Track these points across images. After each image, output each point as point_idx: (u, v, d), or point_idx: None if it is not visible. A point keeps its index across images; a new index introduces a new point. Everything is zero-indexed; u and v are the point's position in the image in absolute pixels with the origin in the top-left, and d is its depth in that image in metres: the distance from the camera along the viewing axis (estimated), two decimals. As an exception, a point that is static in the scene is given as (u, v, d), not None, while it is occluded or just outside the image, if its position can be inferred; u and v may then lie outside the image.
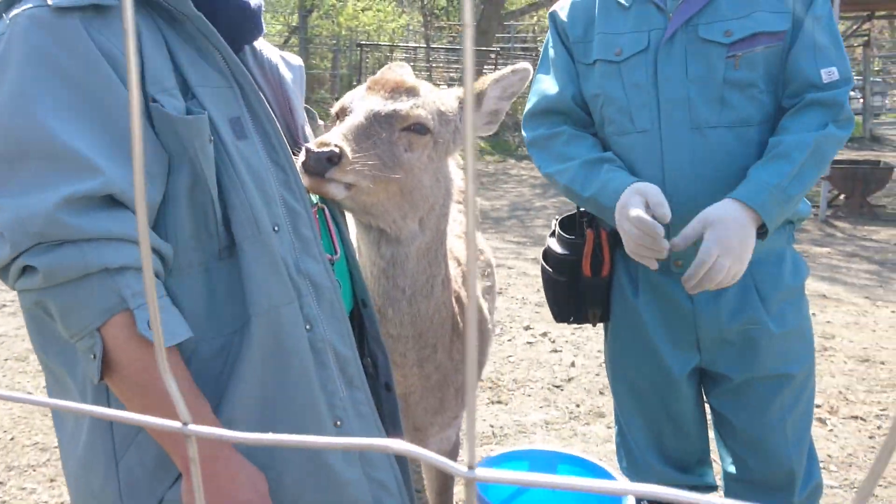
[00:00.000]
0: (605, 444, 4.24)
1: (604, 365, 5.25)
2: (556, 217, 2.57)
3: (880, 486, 3.88)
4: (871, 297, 6.97)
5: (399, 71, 2.17)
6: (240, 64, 1.46)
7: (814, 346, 2.41)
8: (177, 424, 0.44)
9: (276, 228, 1.44)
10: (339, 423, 1.51)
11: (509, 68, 2.06)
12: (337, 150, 1.65)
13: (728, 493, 2.52)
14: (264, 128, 1.49)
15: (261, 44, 1.74)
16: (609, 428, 4.43)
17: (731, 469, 2.47)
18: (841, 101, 2.13)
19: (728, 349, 2.30)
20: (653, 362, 2.37)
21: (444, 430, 2.43)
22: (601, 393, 4.86)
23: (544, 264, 2.50)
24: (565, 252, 2.44)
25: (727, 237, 2.01)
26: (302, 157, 1.64)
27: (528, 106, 2.47)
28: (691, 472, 2.53)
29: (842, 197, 11.24)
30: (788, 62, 2.16)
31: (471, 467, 0.38)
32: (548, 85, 2.41)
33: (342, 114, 1.90)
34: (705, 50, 2.16)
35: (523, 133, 2.50)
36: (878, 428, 4.45)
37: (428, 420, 2.31)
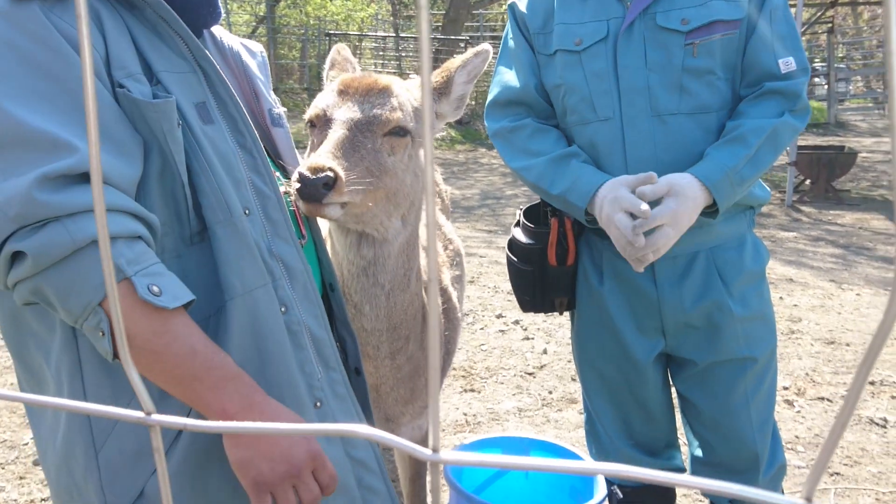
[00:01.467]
0: (577, 429, 4.27)
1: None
2: (521, 207, 2.59)
3: (845, 465, 3.96)
4: (836, 280, 7.09)
5: (348, 57, 2.24)
6: (202, 48, 1.46)
7: (776, 329, 2.45)
8: (139, 414, 0.44)
9: (247, 212, 1.44)
10: (319, 404, 1.52)
11: (471, 52, 2.09)
12: (332, 174, 1.64)
13: (693, 476, 2.56)
14: (230, 112, 1.48)
15: (219, 31, 1.73)
16: (581, 414, 4.46)
17: (698, 452, 2.51)
18: (798, 90, 2.16)
19: (692, 334, 2.33)
20: (619, 349, 2.40)
21: (416, 420, 2.43)
22: (573, 379, 4.90)
23: (510, 254, 2.52)
24: (530, 241, 2.45)
25: (682, 211, 2.05)
26: (296, 183, 1.63)
27: (490, 96, 2.47)
28: (660, 456, 2.56)
29: (807, 182, 11.41)
30: (746, 52, 2.19)
31: (435, 450, 0.38)
32: (509, 77, 2.42)
33: (319, 121, 1.87)
34: (663, 38, 2.18)
35: (486, 123, 2.51)
36: (883, 427, 4.53)
37: (399, 410, 2.32)
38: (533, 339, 5.60)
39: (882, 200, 11.10)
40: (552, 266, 2.41)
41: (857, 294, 6.64)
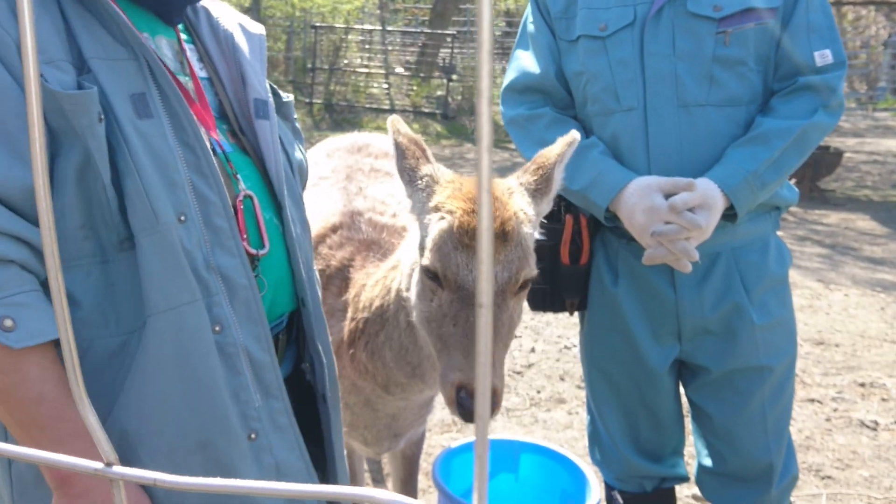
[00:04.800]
0: (565, 430, 4.20)
1: (563, 351, 5.26)
2: None
3: (836, 468, 3.91)
4: (823, 280, 7.06)
5: (415, 138, 1.91)
6: (136, 34, 1.30)
7: (796, 337, 2.36)
8: (99, 465, 0.35)
9: (181, 218, 1.29)
10: (253, 435, 1.37)
11: (563, 143, 1.87)
12: (497, 397, 1.53)
13: (700, 485, 2.48)
14: (172, 106, 1.33)
15: (219, 9, 1.60)
16: (570, 414, 4.40)
17: (707, 462, 2.43)
18: (833, 85, 2.07)
19: (708, 340, 2.24)
20: (632, 354, 2.30)
21: (418, 427, 2.46)
22: (561, 379, 4.83)
23: None
24: (542, 238, 2.35)
25: (709, 225, 1.98)
26: (457, 405, 1.55)
27: (507, 81, 2.36)
28: (664, 463, 2.48)
29: (793, 182, 11.40)
30: (781, 43, 2.09)
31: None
32: (528, 62, 2.31)
33: (446, 283, 1.65)
34: (694, 25, 2.08)
35: (500, 108, 2.40)
36: (835, 410, 4.49)
37: (409, 426, 2.32)
38: (520, 337, 5.52)
39: (866, 200, 11.12)
40: (564, 265, 2.31)
41: (845, 294, 6.62)
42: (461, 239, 1.62)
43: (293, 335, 1.65)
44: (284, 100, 1.79)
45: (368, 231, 2.32)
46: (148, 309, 1.26)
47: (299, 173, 1.74)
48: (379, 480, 3.76)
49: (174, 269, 1.27)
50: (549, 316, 5.72)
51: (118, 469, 0.35)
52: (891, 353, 5.37)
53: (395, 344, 1.93)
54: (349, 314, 2.12)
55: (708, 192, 1.98)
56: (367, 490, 0.33)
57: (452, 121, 17.84)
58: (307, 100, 17.60)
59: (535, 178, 1.82)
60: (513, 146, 16.03)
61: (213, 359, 1.31)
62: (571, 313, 2.45)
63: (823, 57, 2.06)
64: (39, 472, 1.28)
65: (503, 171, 13.40)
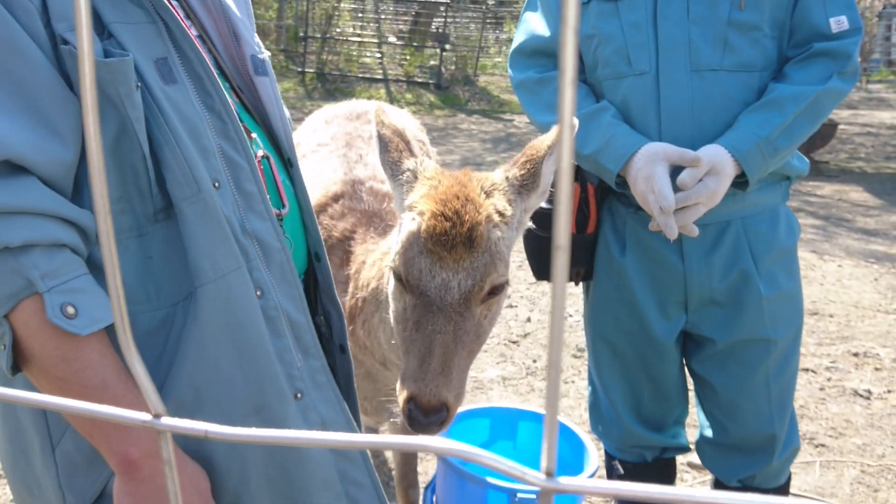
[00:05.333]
0: (561, 398, 4.23)
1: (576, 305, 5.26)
2: None
3: (830, 436, 3.95)
4: (817, 251, 7.09)
5: (397, 129, 1.84)
6: None
7: (803, 310, 2.34)
8: (147, 416, 0.34)
9: (216, 185, 1.27)
10: (300, 395, 1.38)
11: (555, 132, 1.76)
12: (446, 410, 1.48)
13: (701, 454, 2.49)
14: (195, 70, 1.29)
15: None
16: (566, 383, 4.42)
17: (709, 433, 2.44)
18: (849, 52, 2.04)
19: (715, 311, 2.23)
20: (636, 325, 2.30)
21: None
22: (557, 348, 4.85)
23: None
24: (548, 206, 2.31)
25: (719, 190, 1.97)
26: (406, 418, 1.48)
27: (516, 44, 2.33)
28: (665, 432, 2.49)
29: (788, 153, 11.40)
30: (796, 9, 2.06)
31: (549, 474, 0.28)
32: (537, 24, 2.27)
33: (410, 288, 1.59)
34: None
35: (509, 72, 2.37)
36: (828, 380, 4.52)
37: None
38: (516, 307, 5.53)
39: (860, 172, 11.12)
40: (571, 234, 2.27)
41: (839, 265, 6.64)
42: (426, 243, 1.55)
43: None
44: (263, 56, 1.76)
45: (370, 201, 2.28)
46: (198, 279, 1.24)
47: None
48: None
49: (219, 237, 1.26)
50: (545, 285, 5.72)
51: (167, 420, 0.34)
52: (884, 323, 5.41)
53: (389, 328, 1.89)
54: (350, 290, 2.10)
55: (717, 158, 1.97)
56: (419, 438, 0.32)
57: (446, 91, 17.71)
58: (299, 69, 17.44)
59: (523, 172, 1.74)
60: (506, 116, 15.99)
61: (260, 323, 1.31)
62: (577, 283, 2.43)
63: (839, 23, 2.04)
64: (90, 454, 1.26)
65: (496, 141, 13.34)
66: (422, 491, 2.96)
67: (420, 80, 18.12)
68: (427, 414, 1.45)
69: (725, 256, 2.18)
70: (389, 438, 0.32)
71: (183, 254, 1.25)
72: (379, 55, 18.88)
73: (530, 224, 2.37)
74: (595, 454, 2.81)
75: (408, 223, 1.62)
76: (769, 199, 2.19)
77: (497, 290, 1.60)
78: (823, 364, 4.71)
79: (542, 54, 2.26)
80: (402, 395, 1.49)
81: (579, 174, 2.29)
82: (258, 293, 1.33)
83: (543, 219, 2.32)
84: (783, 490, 2.44)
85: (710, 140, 2.03)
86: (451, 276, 1.53)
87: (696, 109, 2.06)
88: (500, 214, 1.63)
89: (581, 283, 2.51)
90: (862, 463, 3.71)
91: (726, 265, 2.18)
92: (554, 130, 1.77)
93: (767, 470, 2.35)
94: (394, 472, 3.54)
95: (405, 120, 3.10)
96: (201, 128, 1.27)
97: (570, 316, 5.39)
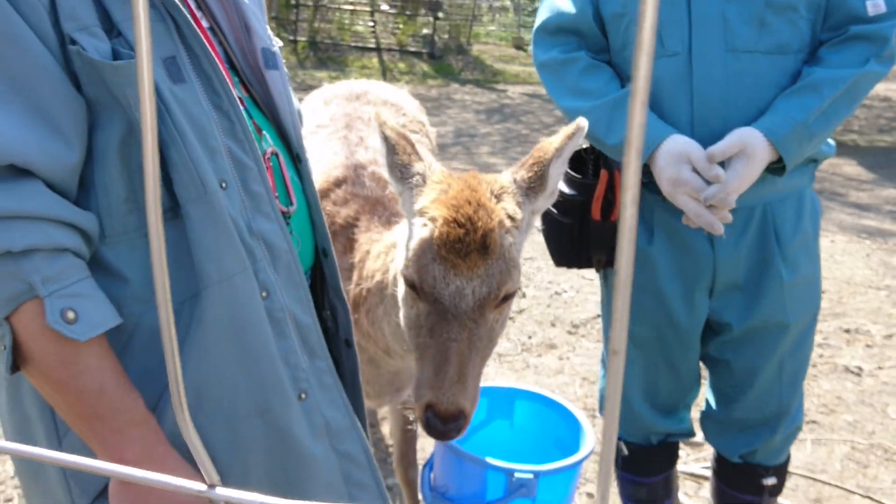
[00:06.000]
0: (556, 375, 4.26)
1: (554, 296, 5.30)
2: None
3: (821, 413, 4.00)
4: (810, 226, 7.11)
5: (403, 132, 1.79)
6: None
7: (820, 292, 2.33)
8: (202, 486, 0.35)
9: (223, 185, 1.27)
10: (304, 395, 1.39)
11: (563, 134, 1.74)
12: (464, 418, 1.48)
13: (704, 430, 2.52)
14: (204, 68, 1.28)
15: None
16: (561, 360, 4.45)
17: (714, 408, 2.45)
18: (886, 35, 1.99)
19: (736, 296, 2.21)
20: (660, 313, 2.26)
21: None
22: (552, 325, 4.87)
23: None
24: (573, 193, 2.26)
25: (751, 174, 1.92)
26: (424, 425, 1.48)
27: (540, 21, 2.25)
28: (672, 417, 2.49)
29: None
30: None
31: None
32: (562, 1, 2.19)
33: (424, 296, 1.56)
34: None
35: (532, 50, 2.29)
36: (820, 356, 4.57)
37: (410, 380, 2.30)
38: (511, 282, 5.54)
39: (853, 146, 11.13)
40: (595, 221, 2.24)
41: (831, 241, 6.68)
42: (439, 250, 1.53)
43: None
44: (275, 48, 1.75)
45: (373, 187, 2.26)
46: (202, 281, 1.25)
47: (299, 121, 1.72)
48: (374, 424, 3.81)
49: (225, 239, 1.26)
50: (540, 262, 5.74)
51: (221, 491, 0.34)
52: (875, 299, 5.45)
53: (393, 321, 1.89)
54: (354, 279, 2.10)
55: (748, 140, 1.92)
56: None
57: (439, 60, 17.58)
58: (291, 37, 17.25)
59: (530, 174, 1.71)
60: (500, 87, 15.89)
61: (265, 325, 1.32)
62: (598, 270, 2.39)
63: (876, 6, 1.99)
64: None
65: (490, 112, 13.28)
66: (420, 469, 2.99)
67: (413, 49, 17.98)
68: (445, 421, 1.45)
69: (752, 241, 2.15)
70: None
71: (190, 254, 1.25)
72: (371, 24, 18.70)
73: (552, 210, 2.31)
74: (591, 434, 2.84)
75: (419, 229, 1.59)
76: (796, 183, 2.16)
77: (510, 296, 1.59)
78: (815, 340, 4.73)
79: (566, 32, 2.19)
80: (419, 403, 1.48)
81: (605, 160, 2.24)
82: (264, 294, 1.33)
83: (567, 204, 2.27)
84: (782, 470, 2.46)
85: (743, 124, 1.99)
86: (466, 283, 1.52)
87: (729, 92, 2.01)
88: (511, 219, 1.61)
89: (600, 272, 2.48)
90: (852, 441, 3.77)
91: (752, 250, 2.15)
92: (561, 134, 1.74)
93: (769, 445, 2.36)
94: (392, 451, 3.57)
95: (404, 99, 3.07)
96: (209, 128, 1.26)
97: (565, 292, 5.42)
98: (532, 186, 1.70)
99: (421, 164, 1.74)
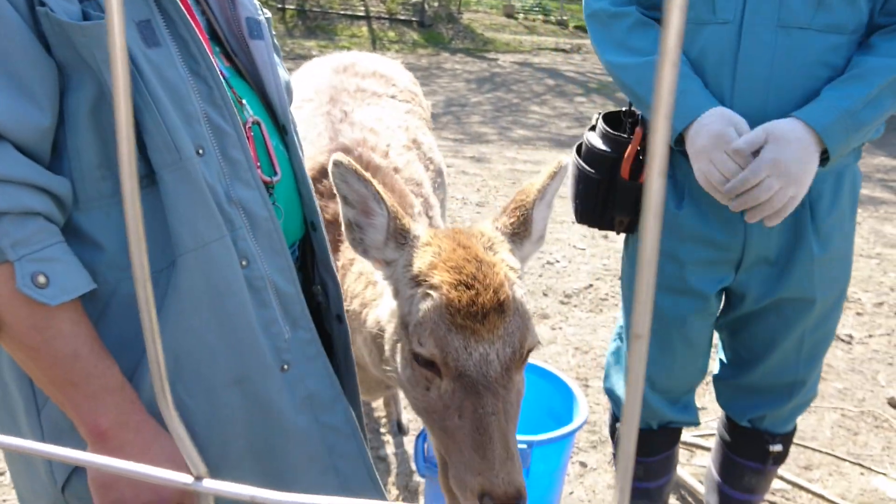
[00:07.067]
0: (549, 345, 4.26)
1: (546, 266, 5.29)
2: (600, 111, 2.34)
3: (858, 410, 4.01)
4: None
5: (361, 173, 1.56)
6: None
7: (851, 268, 2.27)
8: (188, 479, 0.33)
9: (200, 151, 1.25)
10: (286, 367, 1.37)
11: (545, 174, 1.65)
12: (523, 497, 1.35)
13: (717, 392, 2.51)
14: (180, 33, 1.25)
15: None
16: (553, 329, 4.45)
17: (728, 372, 2.43)
18: None
19: (764, 269, 2.15)
20: (681, 281, 2.20)
21: None
22: (545, 294, 4.87)
23: (577, 159, 2.27)
24: (606, 149, 2.20)
25: (783, 158, 1.82)
26: None
27: None
28: (677, 403, 2.45)
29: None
30: None
31: None
32: None
33: (446, 370, 1.43)
34: None
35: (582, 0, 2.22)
36: (848, 343, 4.58)
37: None
38: (503, 253, 5.53)
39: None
40: (623, 180, 2.17)
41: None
42: (454, 318, 1.41)
43: (300, 261, 1.65)
44: (263, 17, 1.71)
45: None
46: (178, 248, 1.23)
47: (287, 93, 1.69)
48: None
49: (201, 206, 1.24)
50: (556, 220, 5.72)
51: (209, 483, 0.32)
52: (866, 268, 5.47)
53: (375, 353, 1.77)
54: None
55: (771, 127, 1.86)
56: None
57: (429, 29, 17.41)
58: (279, 5, 17.04)
59: (513, 220, 1.61)
60: (491, 55, 15.77)
61: (243, 294, 1.30)
62: (619, 232, 2.32)
63: None
64: None
65: (481, 81, 13.18)
66: (413, 440, 3.00)
67: (403, 17, 17.79)
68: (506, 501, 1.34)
69: (787, 218, 2.05)
70: None
71: (165, 221, 1.23)
72: (361, -9, 18.48)
73: (583, 164, 2.25)
74: (584, 404, 2.84)
75: (421, 301, 1.46)
76: (839, 161, 2.05)
77: (531, 352, 1.49)
78: None
79: None
80: (469, 492, 1.36)
81: (642, 119, 2.19)
82: (243, 263, 1.31)
83: (598, 159, 2.22)
84: (788, 438, 2.45)
85: (785, 106, 1.92)
86: (489, 348, 1.40)
87: (775, 70, 1.93)
88: (513, 269, 1.52)
89: (623, 236, 2.41)
90: (842, 408, 3.79)
91: (785, 225, 2.09)
92: (543, 173, 1.65)
93: (779, 412, 2.35)
94: (384, 420, 3.58)
95: (396, 70, 3.00)
96: (185, 92, 1.24)
97: (558, 262, 5.41)
98: (517, 233, 1.62)
99: (418, 223, 1.60)
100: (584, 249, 5.51)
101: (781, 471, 3.08)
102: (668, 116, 0.26)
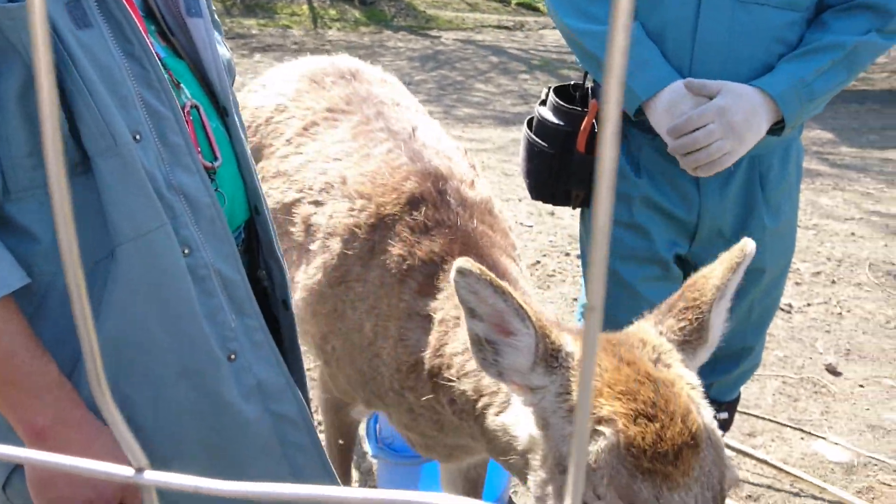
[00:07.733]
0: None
1: (520, 238, 5.29)
2: (549, 86, 2.33)
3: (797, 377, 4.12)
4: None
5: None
6: None
7: (796, 239, 2.35)
8: (129, 471, 0.31)
9: (137, 137, 1.20)
10: (233, 356, 1.34)
11: (726, 265, 1.39)
12: None
13: None
14: (113, 14, 1.21)
15: None
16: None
17: None
18: (892, 9, 1.97)
19: (718, 242, 2.17)
20: (641, 245, 2.21)
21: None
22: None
23: (529, 133, 2.26)
24: (559, 122, 2.20)
25: (731, 109, 1.88)
26: None
27: None
28: None
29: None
30: None
31: None
32: None
33: None
34: None
35: None
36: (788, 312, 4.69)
37: None
38: (450, 231, 5.53)
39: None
40: (579, 153, 2.16)
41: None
42: (639, 461, 1.13)
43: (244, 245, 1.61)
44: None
45: (461, 213, 1.84)
46: (116, 238, 1.19)
47: (228, 72, 1.64)
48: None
49: (139, 194, 1.19)
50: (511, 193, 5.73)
51: (150, 475, 0.31)
52: (804, 238, 5.61)
53: (486, 441, 1.55)
54: (433, 341, 1.71)
55: (728, 83, 1.91)
56: (426, 495, 0.30)
57: (371, 6, 17.20)
58: (216, -17, 16.67)
59: (684, 324, 1.34)
60: (433, 33, 15.68)
61: (186, 283, 1.26)
62: (574, 207, 2.31)
63: None
64: (5, 427, 1.22)
65: (424, 59, 13.10)
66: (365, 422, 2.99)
67: (344, -6, 17.55)
68: None
69: (738, 189, 2.13)
70: (398, 494, 0.30)
71: (102, 211, 1.19)
72: (300, -32, 18.15)
73: (535, 138, 2.23)
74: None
75: (589, 440, 1.18)
76: (785, 136, 2.12)
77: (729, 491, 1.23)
78: (794, 305, 4.87)
79: None
80: None
81: (596, 92, 2.19)
82: (185, 251, 1.27)
83: (552, 133, 2.21)
84: (733, 406, 2.50)
85: (741, 79, 1.96)
86: (686, 495, 1.13)
87: (733, 43, 1.98)
88: (693, 387, 1.27)
89: (579, 211, 2.42)
90: (783, 375, 3.90)
91: (737, 199, 2.14)
92: (724, 261, 1.40)
93: (726, 380, 2.39)
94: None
95: (393, 84, 2.69)
96: (119, 76, 1.19)
97: (532, 227, 5.44)
98: (688, 340, 1.35)
99: (567, 335, 1.33)
100: (531, 227, 5.54)
101: (726, 438, 3.14)
102: (620, 81, 0.25)
